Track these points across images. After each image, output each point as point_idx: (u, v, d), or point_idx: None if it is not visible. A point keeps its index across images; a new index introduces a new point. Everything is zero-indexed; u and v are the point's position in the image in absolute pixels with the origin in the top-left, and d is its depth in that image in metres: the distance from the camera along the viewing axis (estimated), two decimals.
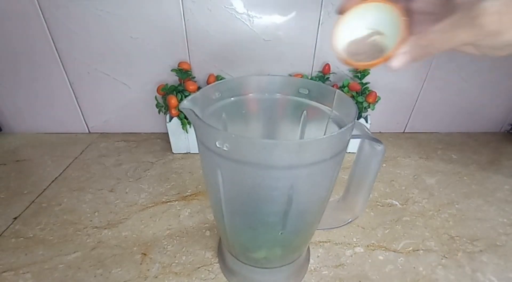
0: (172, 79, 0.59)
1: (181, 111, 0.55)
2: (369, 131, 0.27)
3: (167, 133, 0.58)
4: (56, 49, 0.56)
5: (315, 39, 0.57)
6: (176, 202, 0.47)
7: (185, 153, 0.60)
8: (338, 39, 0.22)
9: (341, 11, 0.21)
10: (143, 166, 0.56)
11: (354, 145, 0.26)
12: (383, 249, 0.40)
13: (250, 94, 0.33)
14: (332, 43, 0.22)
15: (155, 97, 0.58)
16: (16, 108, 0.63)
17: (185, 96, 0.54)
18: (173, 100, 0.53)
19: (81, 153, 0.59)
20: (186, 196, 0.48)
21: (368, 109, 0.58)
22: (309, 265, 0.37)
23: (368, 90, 0.58)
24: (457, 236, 0.42)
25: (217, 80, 0.57)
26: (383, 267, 0.37)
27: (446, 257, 0.39)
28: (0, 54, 0.56)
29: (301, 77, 0.59)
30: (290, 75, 0.60)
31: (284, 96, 0.33)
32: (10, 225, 0.42)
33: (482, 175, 0.56)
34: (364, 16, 0.21)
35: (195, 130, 0.26)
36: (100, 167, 0.55)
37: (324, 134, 0.31)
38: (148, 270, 0.36)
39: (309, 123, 0.34)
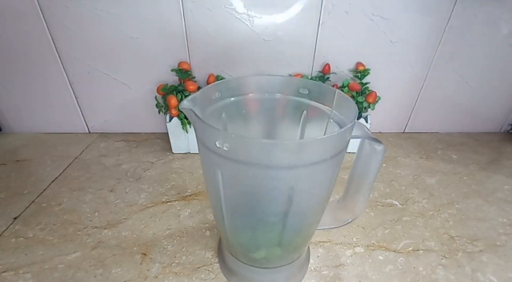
0: (172, 79, 0.59)
1: (181, 111, 0.55)
2: (369, 131, 0.27)
3: (167, 133, 0.58)
4: (56, 49, 0.56)
5: (315, 39, 0.57)
6: (176, 202, 0.47)
7: (185, 153, 0.60)
8: None
9: None
10: (143, 166, 0.56)
11: (354, 145, 0.26)
12: (383, 249, 0.40)
13: (250, 94, 0.33)
14: None
15: (155, 97, 0.58)
16: (16, 108, 0.63)
17: (185, 96, 0.54)
18: (173, 100, 0.53)
19: (81, 153, 0.59)
20: (186, 196, 0.48)
21: (368, 109, 0.58)
22: (309, 265, 0.37)
23: (368, 90, 0.58)
24: (457, 236, 0.42)
25: (217, 80, 0.57)
26: (383, 267, 0.37)
27: (446, 257, 0.39)
28: (0, 54, 0.56)
29: (301, 77, 0.59)
30: (290, 75, 0.60)
31: (284, 96, 0.33)
32: (10, 225, 0.42)
33: (482, 175, 0.56)
34: None
35: (195, 130, 0.26)
36: (100, 167, 0.55)
37: (324, 134, 0.31)
38: (148, 270, 0.36)
39: (309, 123, 0.34)
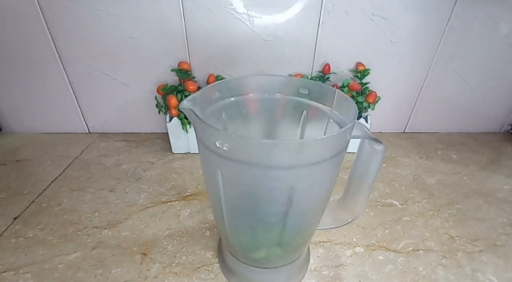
0: (172, 79, 0.59)
1: (181, 111, 0.55)
2: (369, 131, 0.27)
3: (167, 133, 0.58)
4: (56, 49, 0.56)
5: (315, 39, 0.57)
6: (176, 202, 0.47)
7: (185, 153, 0.60)
8: None
9: None
10: (143, 166, 0.56)
11: (354, 145, 0.26)
12: (383, 249, 0.40)
13: (250, 94, 0.33)
14: None
15: (155, 97, 0.58)
16: (16, 108, 0.63)
17: (185, 96, 0.54)
18: (173, 100, 0.53)
19: (81, 153, 0.59)
20: (186, 196, 0.48)
21: (368, 109, 0.58)
22: (309, 265, 0.37)
23: (368, 90, 0.58)
24: (457, 236, 0.42)
25: (217, 80, 0.57)
26: (383, 267, 0.37)
27: (446, 257, 0.39)
28: (0, 54, 0.56)
29: (301, 77, 0.59)
30: (290, 75, 0.60)
31: (284, 96, 0.33)
32: (10, 225, 0.42)
33: (482, 175, 0.56)
34: None
35: (195, 130, 0.26)
36: (100, 167, 0.55)
37: (324, 134, 0.31)
38: (148, 270, 0.36)
39: (309, 123, 0.34)
